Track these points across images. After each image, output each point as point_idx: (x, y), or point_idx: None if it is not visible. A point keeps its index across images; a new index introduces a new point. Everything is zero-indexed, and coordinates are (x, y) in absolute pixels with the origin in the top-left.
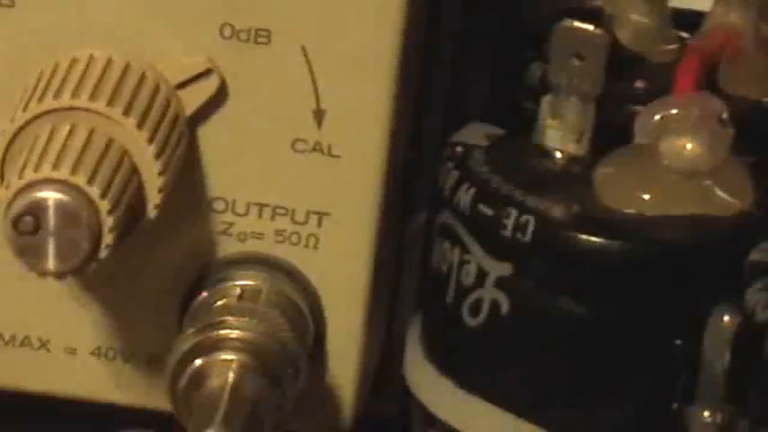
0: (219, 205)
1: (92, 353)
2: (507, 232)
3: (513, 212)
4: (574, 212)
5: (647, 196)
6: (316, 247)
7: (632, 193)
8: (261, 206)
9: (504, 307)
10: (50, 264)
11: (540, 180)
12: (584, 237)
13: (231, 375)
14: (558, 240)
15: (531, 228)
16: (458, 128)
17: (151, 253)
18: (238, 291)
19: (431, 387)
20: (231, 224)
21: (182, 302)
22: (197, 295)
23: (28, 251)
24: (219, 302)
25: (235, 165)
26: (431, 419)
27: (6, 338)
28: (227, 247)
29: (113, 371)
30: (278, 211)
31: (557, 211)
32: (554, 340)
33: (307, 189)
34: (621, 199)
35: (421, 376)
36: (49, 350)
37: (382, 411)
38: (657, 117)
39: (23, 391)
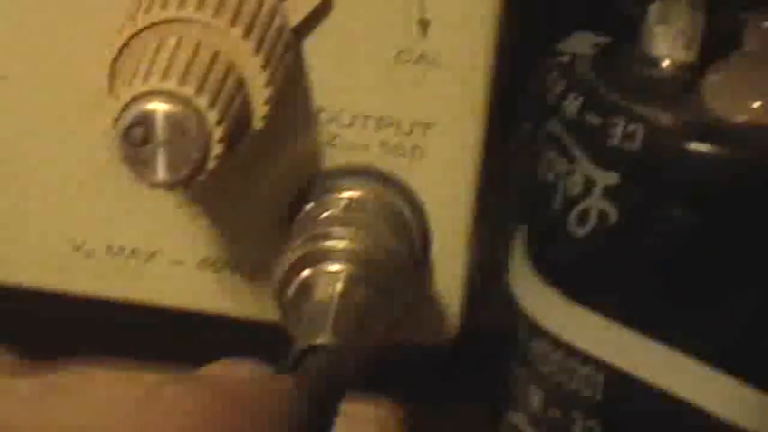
0: (324, 117)
1: (198, 264)
2: (615, 141)
3: (621, 121)
4: (683, 120)
5: (756, 104)
6: (421, 158)
7: (742, 101)
8: (366, 117)
9: (612, 217)
10: (160, 175)
11: (647, 88)
12: (693, 145)
13: (339, 285)
14: (666, 148)
15: (639, 136)
16: (562, 37)
17: (257, 165)
18: (344, 202)
19: (536, 298)
20: (336, 136)
21: (288, 214)
22: (303, 207)
23: (138, 162)
24: (326, 213)
25: (340, 76)
26: (536, 330)
27: (115, 250)
28: (333, 159)
29: (220, 282)
30: (383, 122)
31: (665, 119)
32: (662, 249)
33: (411, 100)
34: (731, 107)
35: (526, 287)
36: (156, 261)
37: (486, 322)
38: None
39: (131, 303)
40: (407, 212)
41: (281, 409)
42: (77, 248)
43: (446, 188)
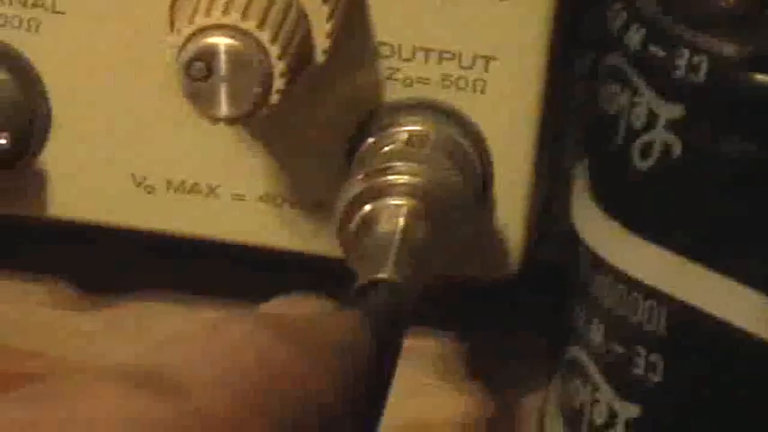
0: (385, 50)
1: (259, 199)
2: (679, 73)
3: (686, 53)
4: (747, 51)
5: None
6: (483, 92)
7: None
8: (427, 51)
9: (676, 149)
10: (222, 109)
11: (712, 19)
12: (759, 76)
13: (401, 220)
14: (731, 80)
15: (704, 68)
16: None
17: (319, 99)
18: (405, 136)
19: (598, 230)
20: (397, 69)
21: (348, 148)
22: (364, 141)
23: (200, 97)
24: (387, 148)
25: (401, 9)
26: (598, 263)
27: (176, 185)
28: (394, 93)
29: (280, 217)
30: (444, 55)
31: (730, 51)
32: (727, 182)
33: (473, 33)
34: None
35: (588, 220)
36: (217, 196)
37: (549, 255)
38: None
39: (192, 237)
40: (469, 147)
41: (348, 345)
42: (138, 184)
43: (508, 122)
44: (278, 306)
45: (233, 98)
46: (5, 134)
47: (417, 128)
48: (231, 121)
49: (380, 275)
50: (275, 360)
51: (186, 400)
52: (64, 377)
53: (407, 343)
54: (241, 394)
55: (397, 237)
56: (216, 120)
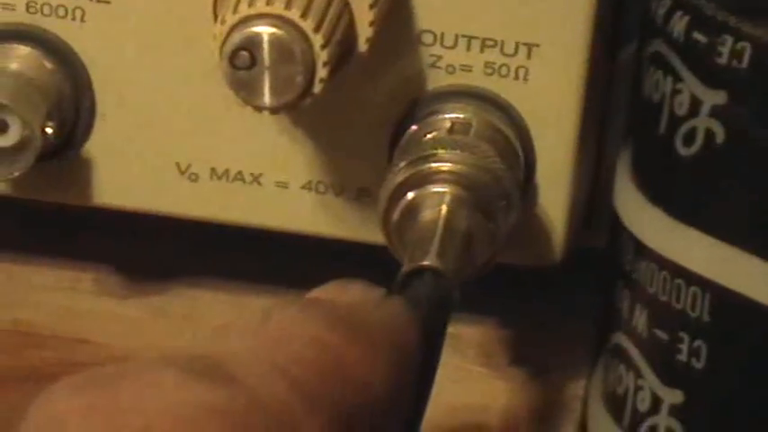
0: (428, 38)
1: (303, 187)
2: (723, 60)
3: (729, 39)
4: None
5: None
6: (525, 79)
7: None
8: (469, 38)
9: (719, 136)
10: (266, 98)
11: (755, 6)
12: None
13: (444, 208)
14: None
15: (747, 55)
16: None
17: (361, 88)
18: (448, 124)
19: (642, 217)
20: (440, 57)
21: (391, 136)
22: (407, 129)
23: (243, 86)
24: (430, 135)
25: None
26: (641, 250)
27: (219, 173)
28: (436, 81)
29: (324, 205)
30: (487, 43)
31: None
32: None
33: (516, 20)
34: None
35: (632, 206)
36: (260, 184)
37: (592, 243)
38: None
39: (236, 225)
40: (512, 134)
41: (395, 333)
42: (183, 172)
43: (551, 109)
44: (326, 293)
45: (276, 87)
46: (52, 124)
47: (460, 115)
48: (274, 110)
49: (424, 263)
50: (328, 348)
51: (240, 385)
52: (118, 364)
53: (451, 329)
54: (297, 383)
55: (441, 224)
56: (259, 109)
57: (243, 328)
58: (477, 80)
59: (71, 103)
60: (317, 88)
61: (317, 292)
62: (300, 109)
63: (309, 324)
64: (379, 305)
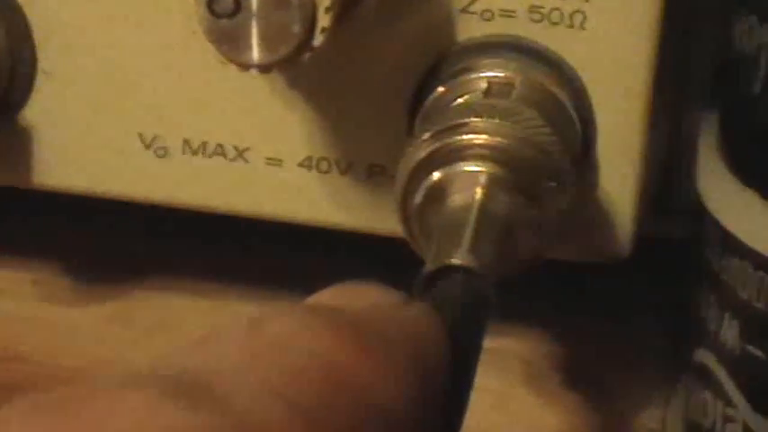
0: None
1: (300, 164)
2: None
3: None
4: None
5: None
6: (582, 27)
7: None
8: None
9: None
10: (254, 54)
11: None
12: None
13: (479, 191)
14: None
15: None
16: None
17: (374, 41)
18: (484, 84)
19: (731, 203)
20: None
21: (412, 101)
22: (431, 91)
23: (225, 38)
24: (461, 99)
25: None
26: (731, 243)
27: (194, 147)
28: (470, 29)
29: (327, 186)
30: None
31: None
32: None
33: None
34: None
35: (719, 189)
36: (247, 161)
37: (667, 233)
38: None
39: (214, 212)
40: (565, 97)
41: (418, 346)
42: (148, 146)
43: (615, 65)
44: (332, 298)
45: (267, 39)
46: None
47: (499, 74)
48: (265, 68)
49: (453, 261)
50: (334, 363)
51: (227, 409)
52: (82, 383)
53: (489, 343)
54: (295, 404)
55: (474, 212)
56: (246, 66)
57: (228, 337)
58: (521, 29)
59: (4, 55)
60: (318, 40)
61: (318, 297)
62: (297, 67)
63: (311, 333)
64: (398, 313)
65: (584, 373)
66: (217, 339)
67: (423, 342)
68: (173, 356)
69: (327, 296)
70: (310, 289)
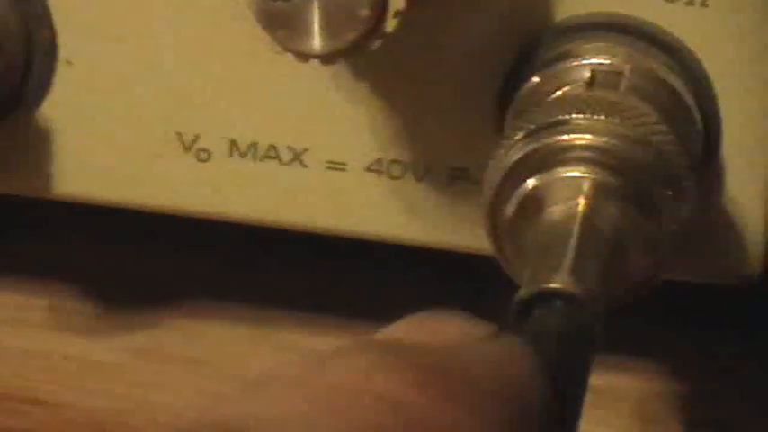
0: None
1: (368, 168)
2: None
3: None
4: None
5: None
6: (704, 4)
7: None
8: None
9: None
10: (315, 41)
11: None
12: None
13: (581, 201)
14: None
15: None
16: None
17: (455, 24)
18: (587, 74)
19: None
20: None
21: (501, 94)
22: (524, 81)
23: (281, 23)
24: (559, 92)
25: None
26: None
27: (242, 149)
28: (567, 7)
29: (399, 194)
30: None
31: None
32: None
33: None
34: None
35: None
36: (304, 165)
37: None
38: None
39: (263, 225)
40: (684, 89)
41: (510, 384)
42: (187, 147)
43: (742, 51)
44: (408, 332)
45: (330, 24)
46: None
47: (604, 61)
48: (327, 58)
49: (552, 285)
50: (413, 412)
51: None
52: None
53: (595, 381)
54: None
55: (576, 226)
56: (305, 57)
57: (288, 380)
58: (629, 6)
59: (19, 45)
60: (391, 25)
61: (393, 331)
62: (365, 56)
63: (384, 376)
64: (485, 348)
65: (709, 414)
66: (275, 383)
67: (515, 384)
68: (225, 404)
69: (403, 329)
70: (365, 314)
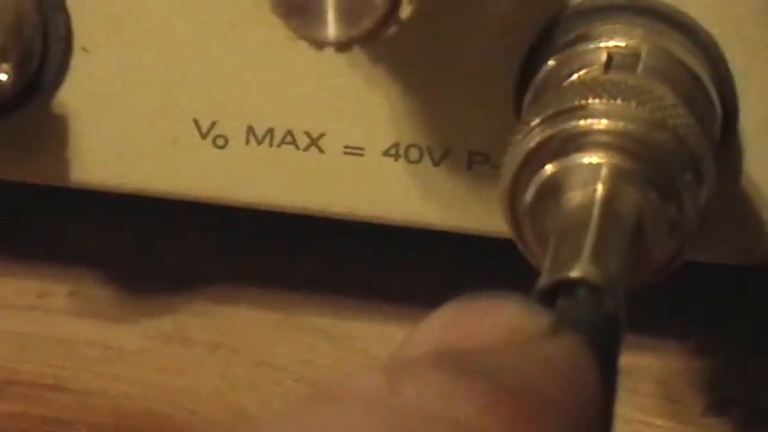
0: None
1: (386, 153)
2: None
3: None
4: None
5: None
6: None
7: None
8: None
9: None
10: (330, 29)
11: None
12: None
13: (600, 187)
14: None
15: None
16: None
17: (471, 8)
18: (604, 56)
19: None
20: None
21: (518, 77)
22: (541, 65)
23: (296, 11)
24: (576, 76)
25: None
26: None
27: (259, 135)
28: None
29: (418, 178)
30: None
31: None
32: None
33: None
34: None
35: None
36: (322, 150)
37: None
38: None
39: (283, 210)
40: (701, 70)
41: (578, 400)
42: (204, 134)
43: (761, 30)
44: (456, 322)
45: (345, 12)
46: (6, 66)
47: (621, 43)
48: (343, 45)
49: (573, 274)
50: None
51: None
52: None
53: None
54: None
55: (596, 212)
56: (320, 44)
57: (361, 398)
58: None
59: (35, 34)
60: (406, 11)
61: (440, 319)
62: (381, 42)
63: (458, 401)
64: (546, 349)
65: (733, 394)
66: (350, 400)
67: (584, 396)
68: (284, 419)
69: (450, 317)
70: (396, 299)
